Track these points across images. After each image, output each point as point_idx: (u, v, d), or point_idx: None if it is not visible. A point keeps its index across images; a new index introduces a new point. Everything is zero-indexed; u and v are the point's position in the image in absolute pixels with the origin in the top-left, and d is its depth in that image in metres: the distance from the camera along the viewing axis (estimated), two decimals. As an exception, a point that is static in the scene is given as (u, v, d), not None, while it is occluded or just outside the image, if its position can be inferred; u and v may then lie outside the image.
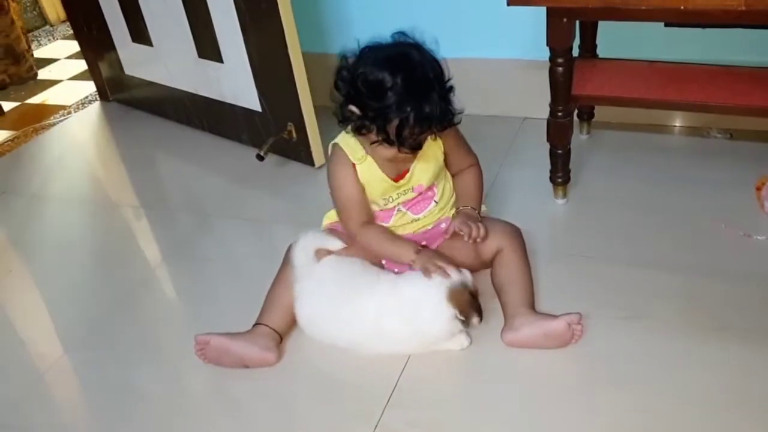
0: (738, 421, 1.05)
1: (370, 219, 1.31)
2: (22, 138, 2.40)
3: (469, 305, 1.17)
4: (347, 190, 1.28)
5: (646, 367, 1.17)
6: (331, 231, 1.35)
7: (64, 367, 1.36)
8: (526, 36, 1.85)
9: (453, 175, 1.36)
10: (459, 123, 1.22)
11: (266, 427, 1.15)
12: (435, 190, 1.32)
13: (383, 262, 1.34)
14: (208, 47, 1.97)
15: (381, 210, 1.31)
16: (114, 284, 1.57)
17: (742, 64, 1.54)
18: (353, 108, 1.17)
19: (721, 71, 1.53)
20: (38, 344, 1.45)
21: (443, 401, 1.16)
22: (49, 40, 3.39)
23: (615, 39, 1.71)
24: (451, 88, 1.18)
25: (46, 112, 2.58)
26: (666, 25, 1.54)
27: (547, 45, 1.41)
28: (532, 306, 1.26)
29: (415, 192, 1.30)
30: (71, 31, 2.53)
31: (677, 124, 1.91)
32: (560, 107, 1.50)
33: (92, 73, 2.53)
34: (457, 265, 1.22)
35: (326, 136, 1.85)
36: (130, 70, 2.36)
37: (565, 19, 1.37)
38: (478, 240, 1.25)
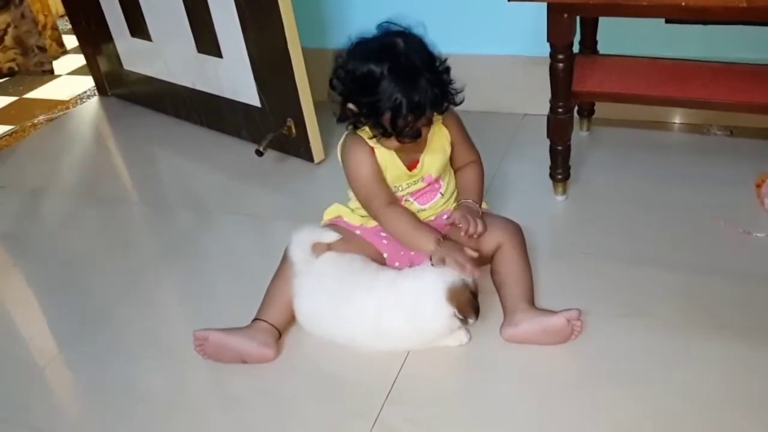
0: (738, 419, 1.05)
1: (394, 200, 1.29)
2: (21, 133, 2.40)
3: (468, 304, 1.17)
4: (366, 170, 1.26)
5: (645, 364, 1.16)
6: (331, 227, 1.35)
7: (63, 363, 1.36)
8: (527, 32, 1.85)
9: (455, 171, 1.36)
10: (461, 103, 1.23)
11: (264, 422, 1.15)
12: (441, 182, 1.33)
13: (384, 255, 1.34)
14: (207, 42, 1.96)
15: None
16: (113, 280, 1.57)
17: (743, 61, 1.54)
18: (351, 106, 1.18)
19: (721, 68, 1.52)
20: (37, 339, 1.44)
21: (442, 398, 1.16)
22: (47, 34, 3.37)
23: (615, 35, 1.71)
24: (445, 70, 1.19)
25: (45, 107, 2.58)
26: (667, 21, 1.53)
27: (548, 41, 1.41)
28: (531, 302, 1.26)
29: (425, 182, 1.30)
30: (69, 26, 2.52)
31: (677, 121, 1.91)
32: (560, 104, 1.50)
33: (91, 68, 2.53)
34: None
35: (326, 132, 1.85)
36: (129, 65, 2.35)
37: (565, 15, 1.37)
38: (475, 236, 1.25)
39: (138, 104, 2.42)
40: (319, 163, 1.88)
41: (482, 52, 1.98)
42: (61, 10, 3.35)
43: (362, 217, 1.35)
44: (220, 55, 1.95)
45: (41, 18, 2.99)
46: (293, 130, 1.87)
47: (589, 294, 1.32)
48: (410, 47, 1.15)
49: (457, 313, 1.17)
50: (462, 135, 1.33)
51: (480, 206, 1.33)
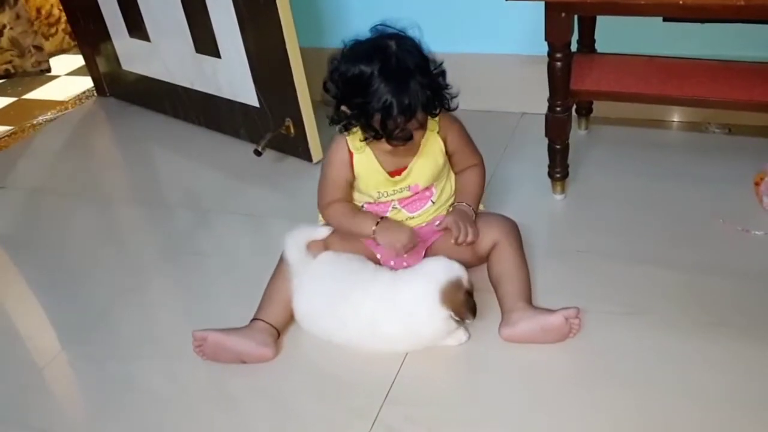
0: (737, 417, 1.05)
1: (339, 201, 1.32)
2: (20, 133, 2.40)
3: (463, 305, 1.17)
4: (331, 172, 1.30)
5: (644, 362, 1.16)
6: (328, 225, 1.35)
7: (62, 363, 1.36)
8: (525, 31, 1.85)
9: (456, 173, 1.36)
10: (456, 108, 1.23)
11: (263, 422, 1.15)
12: (433, 190, 1.32)
13: (378, 256, 1.34)
14: (205, 42, 1.96)
15: (375, 203, 1.31)
16: (112, 279, 1.57)
17: (741, 59, 1.54)
18: (344, 108, 1.18)
19: (720, 66, 1.52)
20: (37, 339, 1.44)
21: (441, 397, 1.16)
22: (46, 35, 3.37)
23: (613, 34, 1.71)
24: (440, 74, 1.18)
25: (43, 107, 2.58)
26: (665, 19, 1.54)
27: (546, 40, 1.41)
28: (529, 300, 1.26)
29: (410, 191, 1.30)
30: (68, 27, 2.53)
31: (676, 120, 1.91)
32: (559, 102, 1.50)
33: (89, 68, 2.53)
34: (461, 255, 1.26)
35: (324, 132, 1.85)
36: (127, 65, 2.35)
37: (563, 14, 1.36)
38: (464, 245, 1.25)
39: (136, 104, 2.42)
40: (317, 163, 1.88)
41: (480, 51, 1.98)
42: (60, 10, 3.35)
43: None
44: (218, 55, 1.95)
45: (56, 12, 3.00)
46: (292, 130, 1.87)
47: (587, 292, 1.32)
48: (402, 49, 1.14)
49: (453, 315, 1.17)
50: (463, 140, 1.33)
51: (476, 209, 1.33)
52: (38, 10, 2.98)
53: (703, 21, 1.53)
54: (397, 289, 1.21)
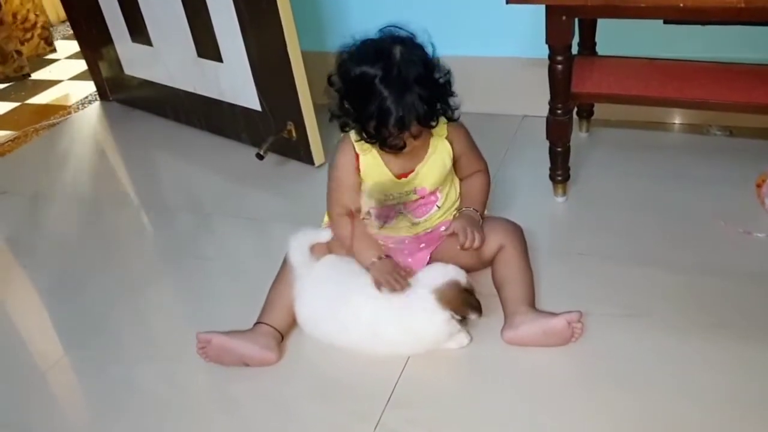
0: (738, 419, 1.05)
1: (350, 212, 1.30)
2: (23, 138, 2.40)
3: (463, 303, 1.17)
4: (340, 175, 1.29)
5: (646, 364, 1.16)
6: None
7: (64, 366, 1.37)
8: (525, 34, 1.85)
9: (461, 180, 1.36)
10: (458, 118, 1.23)
11: (266, 426, 1.15)
12: (438, 195, 1.32)
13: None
14: (207, 46, 1.97)
15: (381, 207, 1.31)
16: (114, 283, 1.57)
17: (741, 61, 1.54)
18: (346, 104, 1.18)
19: (720, 68, 1.53)
20: (39, 343, 1.45)
21: (443, 400, 1.16)
22: (49, 39, 3.38)
23: (614, 36, 1.71)
24: (442, 85, 1.18)
25: (46, 112, 2.59)
26: (665, 22, 1.53)
27: (547, 43, 1.41)
28: (532, 304, 1.26)
29: (417, 194, 1.29)
30: (71, 31, 2.53)
31: (677, 122, 1.91)
32: (560, 105, 1.50)
33: (92, 73, 2.54)
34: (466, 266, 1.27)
35: (326, 135, 1.86)
36: (129, 69, 2.36)
37: (564, 17, 1.37)
38: (470, 250, 1.25)
39: (139, 109, 2.43)
40: (319, 166, 1.89)
41: (481, 54, 1.98)
42: (62, 15, 3.36)
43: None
44: (220, 60, 1.96)
45: (32, 17, 2.99)
46: (293, 134, 1.87)
47: (589, 295, 1.32)
48: (407, 58, 1.13)
49: (454, 315, 1.17)
50: (468, 145, 1.32)
51: (483, 215, 1.33)
52: (14, 15, 2.97)
53: (703, 23, 1.53)
54: (394, 297, 1.21)
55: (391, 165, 1.26)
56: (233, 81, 1.96)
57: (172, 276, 1.59)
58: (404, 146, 1.17)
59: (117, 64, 2.38)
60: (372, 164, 1.26)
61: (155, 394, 1.25)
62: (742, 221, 1.47)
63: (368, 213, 1.31)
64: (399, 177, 1.27)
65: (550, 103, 1.51)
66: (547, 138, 1.56)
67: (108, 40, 2.32)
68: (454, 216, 1.32)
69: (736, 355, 1.17)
